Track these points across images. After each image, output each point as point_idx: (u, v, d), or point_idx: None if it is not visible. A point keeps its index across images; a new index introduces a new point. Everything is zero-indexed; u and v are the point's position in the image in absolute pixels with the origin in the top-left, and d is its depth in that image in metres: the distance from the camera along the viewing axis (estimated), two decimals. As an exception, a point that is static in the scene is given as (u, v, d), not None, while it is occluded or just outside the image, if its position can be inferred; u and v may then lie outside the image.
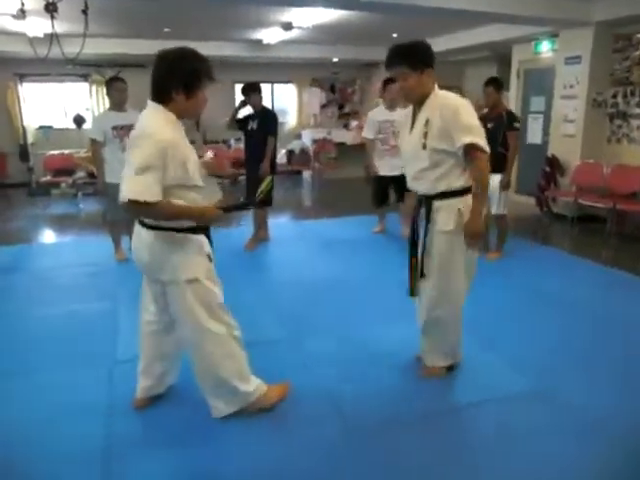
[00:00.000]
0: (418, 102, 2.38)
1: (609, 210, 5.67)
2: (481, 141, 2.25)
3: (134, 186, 1.86)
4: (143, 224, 2.06)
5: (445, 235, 2.38)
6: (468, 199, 2.37)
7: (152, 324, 2.29)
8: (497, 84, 4.51)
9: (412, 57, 2.29)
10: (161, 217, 1.97)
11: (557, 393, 2.52)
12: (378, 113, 5.24)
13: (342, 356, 2.89)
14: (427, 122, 2.30)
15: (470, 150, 2.26)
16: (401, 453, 2.12)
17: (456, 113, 2.24)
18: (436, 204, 2.38)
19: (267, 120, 4.89)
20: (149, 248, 2.05)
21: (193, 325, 2.11)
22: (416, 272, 2.51)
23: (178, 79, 1.93)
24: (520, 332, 3.20)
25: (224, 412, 2.26)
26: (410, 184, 2.52)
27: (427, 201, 2.41)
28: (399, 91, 2.45)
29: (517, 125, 4.46)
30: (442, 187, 2.36)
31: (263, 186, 2.35)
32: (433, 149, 2.30)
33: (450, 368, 2.65)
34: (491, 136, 4.42)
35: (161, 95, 1.96)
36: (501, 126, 4.37)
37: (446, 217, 2.37)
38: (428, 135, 2.29)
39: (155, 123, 1.94)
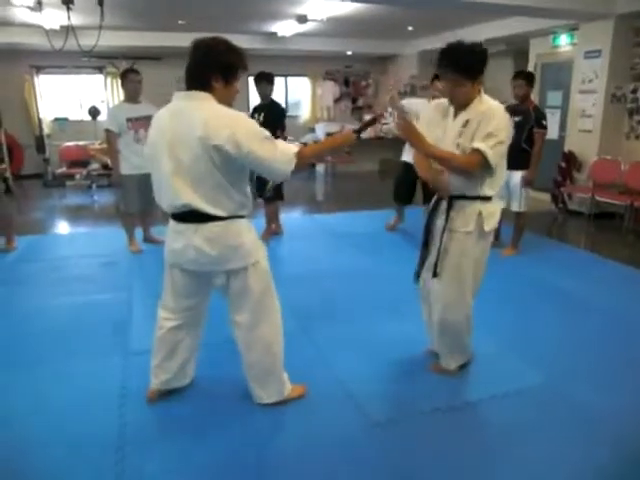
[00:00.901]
0: (463, 105, 2.29)
1: (626, 207, 5.59)
2: (489, 152, 2.16)
3: (282, 154, 1.95)
4: (204, 219, 2.00)
5: (464, 236, 2.36)
6: (489, 206, 2.36)
7: (173, 322, 2.27)
8: (529, 77, 4.43)
9: (469, 67, 2.18)
10: (314, 159, 2.14)
11: (568, 389, 2.51)
12: (420, 104, 4.84)
13: (354, 349, 2.89)
14: (466, 123, 2.25)
15: (474, 152, 2.20)
16: (415, 445, 2.12)
17: (491, 119, 2.19)
18: (458, 204, 2.36)
19: (273, 113, 4.76)
20: (217, 241, 2.03)
21: (256, 312, 2.17)
22: (423, 261, 2.54)
23: (218, 67, 1.95)
24: (533, 328, 3.17)
25: (265, 401, 2.30)
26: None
27: (449, 199, 2.38)
28: (449, 95, 2.30)
29: (545, 123, 4.37)
30: (467, 189, 2.33)
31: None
32: (464, 150, 2.26)
33: (462, 366, 2.63)
34: (516, 131, 4.38)
35: (202, 82, 1.96)
36: (528, 122, 4.31)
37: (466, 218, 2.35)
38: (463, 135, 2.25)
39: (223, 107, 1.96)
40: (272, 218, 5.21)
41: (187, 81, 2.00)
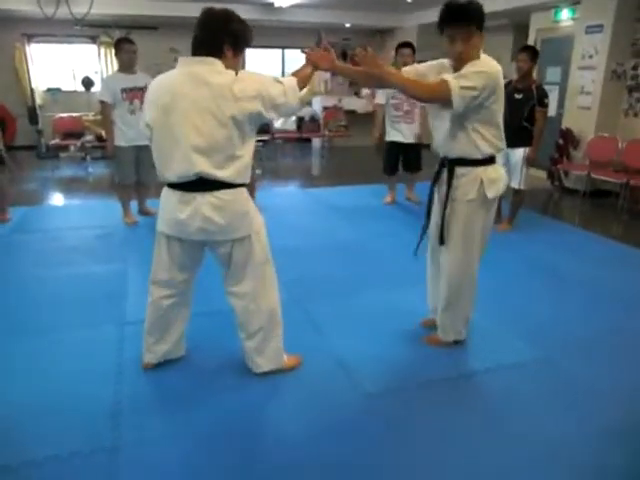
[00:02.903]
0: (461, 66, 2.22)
1: (622, 185, 5.60)
2: (456, 88, 2.08)
3: (290, 92, 2.06)
4: (214, 187, 1.99)
5: (467, 204, 2.35)
6: (490, 171, 2.34)
7: (166, 294, 2.26)
8: (533, 52, 4.38)
9: (478, 16, 2.17)
10: (305, 83, 2.21)
11: (560, 362, 2.56)
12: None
13: (349, 321, 2.92)
14: None
15: (441, 81, 2.13)
16: (408, 415, 2.16)
17: (473, 66, 2.14)
18: (459, 171, 2.35)
19: None
20: (227, 209, 2.02)
21: (258, 281, 2.19)
22: (424, 233, 2.57)
23: (231, 36, 2.00)
24: (526, 303, 3.21)
25: (262, 369, 2.33)
26: (435, 146, 2.47)
27: (450, 166, 2.37)
28: (449, 53, 2.25)
29: (547, 102, 4.34)
30: (465, 152, 2.30)
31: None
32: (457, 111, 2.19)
33: (456, 342, 2.67)
34: (517, 108, 4.37)
35: (214, 49, 1.97)
36: (530, 100, 4.28)
37: (468, 186, 2.33)
38: None
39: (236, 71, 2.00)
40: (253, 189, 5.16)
41: (197, 48, 1.99)
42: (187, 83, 1.94)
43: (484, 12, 2.21)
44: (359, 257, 3.95)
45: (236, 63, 2.05)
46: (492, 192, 2.34)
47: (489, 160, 2.34)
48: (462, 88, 2.10)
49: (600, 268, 3.83)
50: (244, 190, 2.09)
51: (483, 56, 2.22)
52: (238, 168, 2.01)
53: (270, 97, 1.97)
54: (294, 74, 2.20)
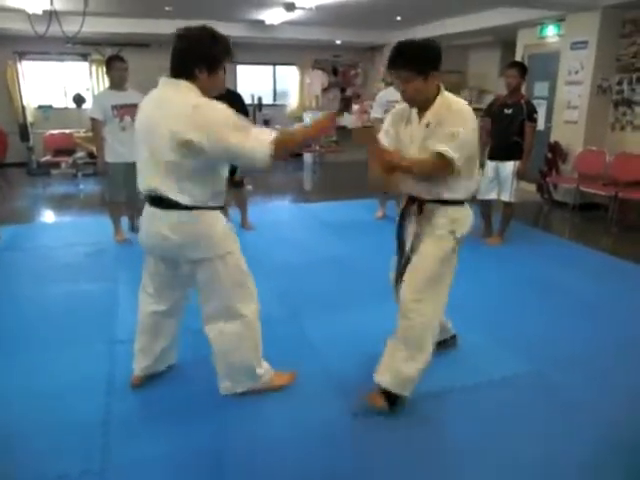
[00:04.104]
0: (423, 105, 2.15)
1: (611, 198, 5.65)
2: (452, 153, 2.00)
3: (256, 141, 1.89)
4: (170, 206, 1.99)
5: (434, 239, 2.21)
6: (461, 210, 2.22)
7: (153, 306, 2.29)
8: (522, 68, 4.43)
9: (418, 60, 2.04)
10: (294, 146, 2.20)
11: (552, 376, 2.56)
12: (389, 93, 5.02)
13: (341, 335, 2.92)
14: (428, 125, 2.12)
15: (438, 156, 2.03)
16: (400, 433, 2.14)
17: (453, 118, 2.04)
18: (427, 208, 2.22)
19: (236, 104, 4.64)
20: (181, 229, 2.02)
21: (224, 304, 2.16)
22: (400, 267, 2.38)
23: (201, 58, 1.95)
24: (517, 316, 3.21)
25: (232, 391, 2.30)
26: (405, 185, 2.28)
27: (419, 203, 2.24)
28: (401, 94, 2.17)
29: (536, 116, 4.41)
30: (436, 194, 2.18)
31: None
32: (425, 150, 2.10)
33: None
34: (508, 123, 4.43)
35: (185, 72, 1.97)
36: (519, 115, 4.35)
37: (436, 223, 2.20)
38: (428, 138, 2.09)
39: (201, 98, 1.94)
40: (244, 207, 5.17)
41: (171, 69, 2.00)
42: (152, 104, 2.01)
43: (438, 53, 2.08)
44: (351, 272, 3.95)
45: (214, 82, 2.01)
46: (460, 231, 2.20)
47: (460, 202, 2.22)
48: (457, 149, 2.01)
49: (590, 281, 3.86)
50: (208, 213, 2.05)
51: (447, 94, 2.12)
52: (194, 194, 1.99)
53: (221, 137, 1.86)
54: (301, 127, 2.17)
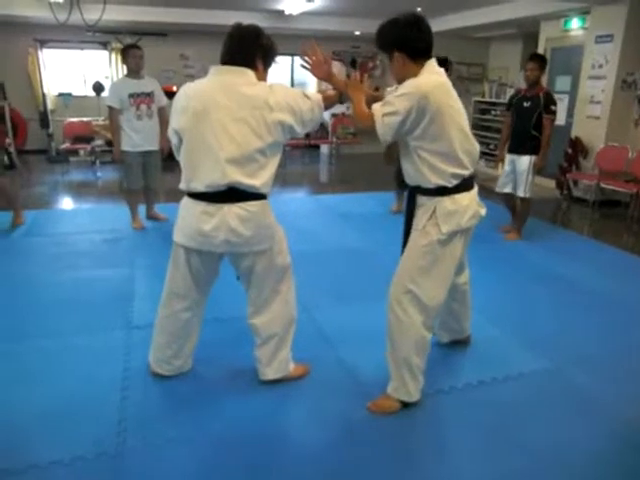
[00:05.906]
0: None
1: (632, 195, 5.55)
2: (379, 118, 1.93)
3: (317, 107, 2.10)
4: (242, 198, 1.97)
5: (417, 235, 2.11)
6: (447, 202, 2.03)
7: (185, 307, 2.23)
8: (541, 61, 4.34)
9: (380, 41, 2.06)
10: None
11: (569, 374, 2.53)
12: None
13: (357, 328, 2.91)
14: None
15: (371, 109, 1.99)
16: (416, 425, 2.14)
17: (401, 88, 1.95)
18: (418, 199, 2.13)
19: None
20: (253, 221, 2.01)
21: (279, 285, 2.23)
22: None
23: (263, 51, 2.06)
24: (534, 313, 3.18)
25: (270, 377, 2.33)
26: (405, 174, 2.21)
27: (413, 193, 2.17)
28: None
29: (554, 108, 4.29)
30: (417, 180, 2.08)
31: None
32: (401, 137, 2.03)
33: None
34: (525, 116, 4.36)
35: (247, 60, 2.01)
36: (537, 107, 4.26)
37: (421, 215, 2.10)
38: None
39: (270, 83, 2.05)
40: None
41: (229, 58, 2.00)
42: (220, 92, 1.94)
43: (398, 31, 1.98)
44: (366, 264, 3.94)
45: (263, 76, 2.09)
46: (447, 226, 2.03)
47: (443, 190, 2.03)
48: (385, 115, 1.92)
49: (609, 278, 3.80)
50: (267, 202, 2.09)
51: (422, 75, 1.98)
52: (266, 178, 2.01)
53: (301, 112, 2.02)
54: (320, 92, 2.24)
